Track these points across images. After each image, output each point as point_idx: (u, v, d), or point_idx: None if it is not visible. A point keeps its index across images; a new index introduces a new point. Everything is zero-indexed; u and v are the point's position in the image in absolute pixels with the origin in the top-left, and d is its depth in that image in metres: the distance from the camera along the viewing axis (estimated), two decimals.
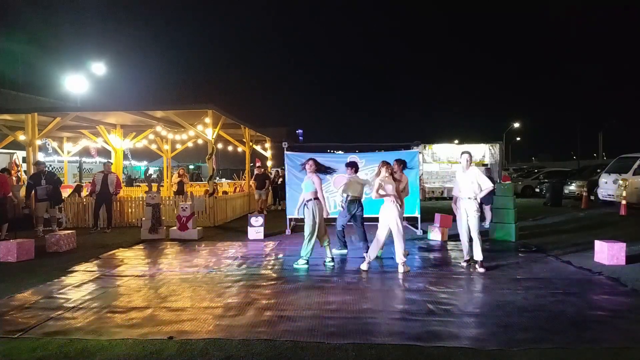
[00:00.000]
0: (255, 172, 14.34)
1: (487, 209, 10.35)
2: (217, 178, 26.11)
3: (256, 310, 4.42)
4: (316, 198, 6.34)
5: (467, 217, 6.11)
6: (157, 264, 6.76)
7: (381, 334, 3.75)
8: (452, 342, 3.55)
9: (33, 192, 9.42)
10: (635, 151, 14.07)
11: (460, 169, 6.32)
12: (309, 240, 6.31)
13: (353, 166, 7.26)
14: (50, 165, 16.88)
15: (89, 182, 11.82)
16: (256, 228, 8.96)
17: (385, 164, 6.24)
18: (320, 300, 4.72)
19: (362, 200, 7.20)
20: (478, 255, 6.02)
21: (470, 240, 6.15)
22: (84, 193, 12.89)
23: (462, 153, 6.32)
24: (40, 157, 12.06)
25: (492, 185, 6.16)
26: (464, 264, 6.30)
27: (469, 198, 6.08)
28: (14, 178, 11.46)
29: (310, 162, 6.55)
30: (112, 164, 11.32)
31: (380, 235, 6.13)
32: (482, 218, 10.29)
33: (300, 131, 50.05)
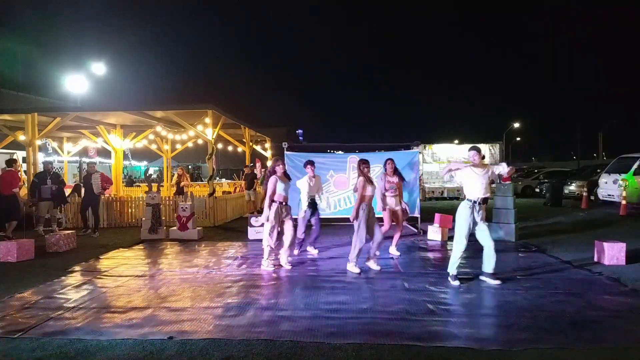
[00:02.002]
0: (245, 171, 14.27)
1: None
2: (217, 178, 26.11)
3: (256, 310, 4.42)
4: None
5: (479, 225, 5.27)
6: (157, 264, 6.76)
7: (381, 334, 3.75)
8: (452, 342, 3.55)
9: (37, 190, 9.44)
10: (635, 151, 14.07)
11: (472, 167, 5.31)
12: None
13: (312, 164, 7.18)
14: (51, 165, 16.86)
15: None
16: (256, 228, 8.95)
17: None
18: (320, 300, 4.72)
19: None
20: (492, 267, 5.35)
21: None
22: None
23: (471, 149, 5.44)
24: (40, 157, 12.08)
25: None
26: (456, 283, 5.31)
27: (484, 200, 5.27)
28: None
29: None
30: (94, 164, 10.99)
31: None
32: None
33: (300, 131, 50.07)
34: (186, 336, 3.73)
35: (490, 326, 3.95)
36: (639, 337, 3.67)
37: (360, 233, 5.83)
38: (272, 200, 6.14)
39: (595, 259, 6.44)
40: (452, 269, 5.40)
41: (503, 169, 5.41)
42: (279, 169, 6.28)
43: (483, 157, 5.47)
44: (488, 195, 5.32)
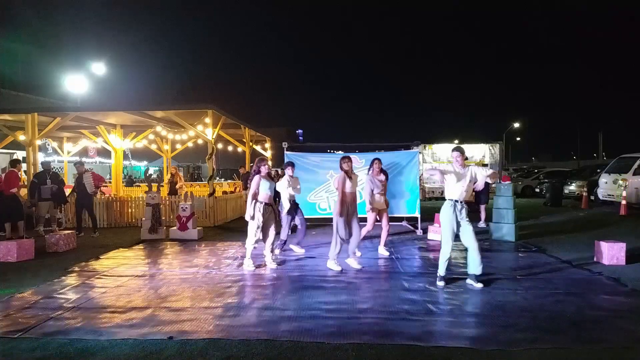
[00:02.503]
0: (241, 172, 14.17)
1: (482, 208, 10.38)
2: (217, 178, 26.11)
3: (256, 310, 4.43)
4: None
5: (463, 225, 5.15)
6: (157, 264, 6.76)
7: (381, 334, 3.75)
8: (452, 342, 3.55)
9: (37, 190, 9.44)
10: (635, 151, 14.06)
11: (454, 167, 5.27)
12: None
13: (293, 166, 7.28)
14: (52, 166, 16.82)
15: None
16: None
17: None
18: (320, 300, 4.72)
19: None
20: (479, 268, 5.20)
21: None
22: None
23: (455, 149, 5.37)
24: (40, 157, 12.06)
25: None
26: (441, 284, 5.26)
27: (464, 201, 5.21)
28: None
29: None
30: (83, 163, 10.58)
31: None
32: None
33: (300, 131, 50.12)
34: (186, 336, 3.73)
35: (490, 326, 3.95)
36: (639, 337, 3.68)
37: (340, 231, 5.92)
38: (256, 200, 6.16)
39: (595, 259, 6.44)
40: (441, 270, 5.35)
41: (484, 172, 5.27)
42: (264, 169, 6.30)
43: (466, 159, 5.47)
44: (466, 198, 5.18)
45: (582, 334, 3.74)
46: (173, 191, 12.71)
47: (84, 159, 22.25)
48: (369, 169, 7.34)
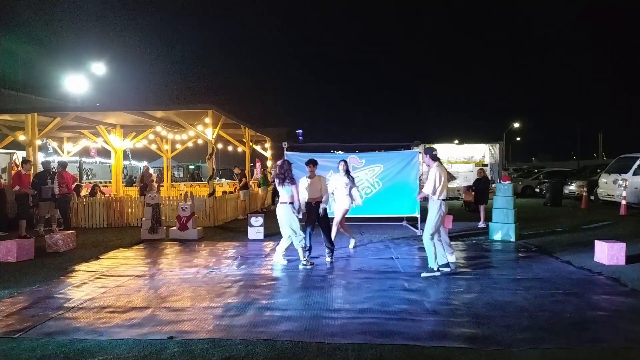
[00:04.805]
0: (235, 171, 14.13)
1: (481, 208, 10.39)
2: (217, 178, 26.11)
3: (256, 310, 4.43)
4: (291, 202, 6.41)
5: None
6: (157, 264, 6.76)
7: (381, 334, 3.75)
8: (452, 342, 3.55)
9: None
10: (635, 151, 14.06)
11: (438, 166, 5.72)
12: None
13: (315, 164, 7.21)
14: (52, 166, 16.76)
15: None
16: (256, 228, 8.96)
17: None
18: (320, 300, 4.72)
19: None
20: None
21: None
22: (84, 192, 12.92)
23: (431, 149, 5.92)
24: (41, 157, 12.05)
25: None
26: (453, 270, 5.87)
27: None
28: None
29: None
30: (64, 164, 10.49)
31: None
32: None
33: (300, 131, 49.96)
34: (186, 336, 3.73)
35: (490, 326, 3.95)
36: (639, 337, 3.68)
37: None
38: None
39: (595, 259, 6.44)
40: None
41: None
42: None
43: (438, 160, 5.73)
44: (435, 195, 5.61)
45: (582, 334, 3.75)
46: (142, 192, 12.30)
47: (84, 159, 22.27)
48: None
